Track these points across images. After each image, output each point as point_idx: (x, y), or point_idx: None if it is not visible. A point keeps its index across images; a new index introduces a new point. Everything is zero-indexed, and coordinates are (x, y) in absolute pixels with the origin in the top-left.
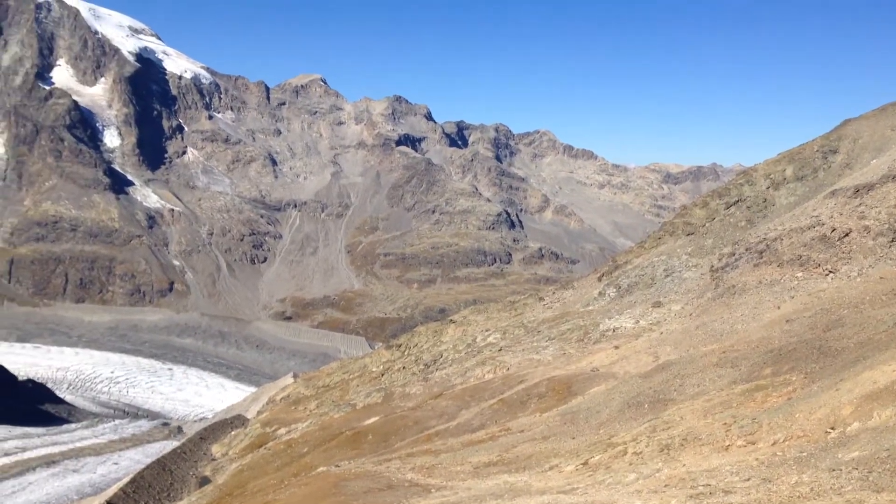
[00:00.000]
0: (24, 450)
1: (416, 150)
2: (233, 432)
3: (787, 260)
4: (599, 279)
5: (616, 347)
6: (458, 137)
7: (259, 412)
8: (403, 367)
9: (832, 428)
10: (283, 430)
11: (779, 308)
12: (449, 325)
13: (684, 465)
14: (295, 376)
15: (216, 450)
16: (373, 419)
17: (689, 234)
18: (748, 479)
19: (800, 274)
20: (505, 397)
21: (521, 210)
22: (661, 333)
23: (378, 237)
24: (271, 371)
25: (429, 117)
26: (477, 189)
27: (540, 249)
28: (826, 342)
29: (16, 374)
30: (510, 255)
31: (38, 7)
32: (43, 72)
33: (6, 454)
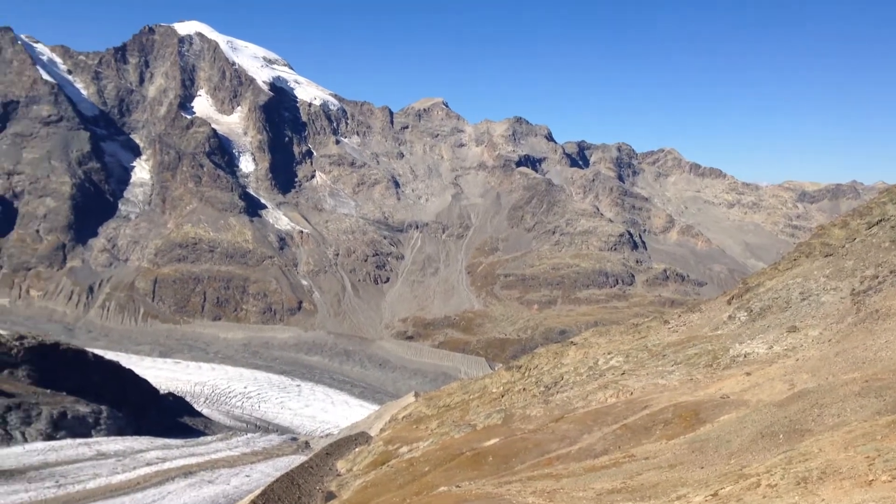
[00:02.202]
0: (164, 460)
1: (537, 171)
2: (357, 449)
3: None
4: (729, 302)
5: (748, 374)
6: (579, 157)
7: (382, 430)
8: (523, 389)
9: None
10: (404, 449)
11: None
12: (570, 347)
13: (823, 499)
14: (416, 395)
15: (341, 465)
16: (493, 440)
17: (827, 256)
18: None
19: None
20: (628, 422)
21: (645, 230)
22: (797, 360)
23: (498, 258)
24: (393, 389)
25: (549, 138)
26: (598, 209)
27: (665, 271)
28: None
29: (158, 387)
30: (633, 276)
31: (181, 41)
32: (185, 102)
33: (148, 464)
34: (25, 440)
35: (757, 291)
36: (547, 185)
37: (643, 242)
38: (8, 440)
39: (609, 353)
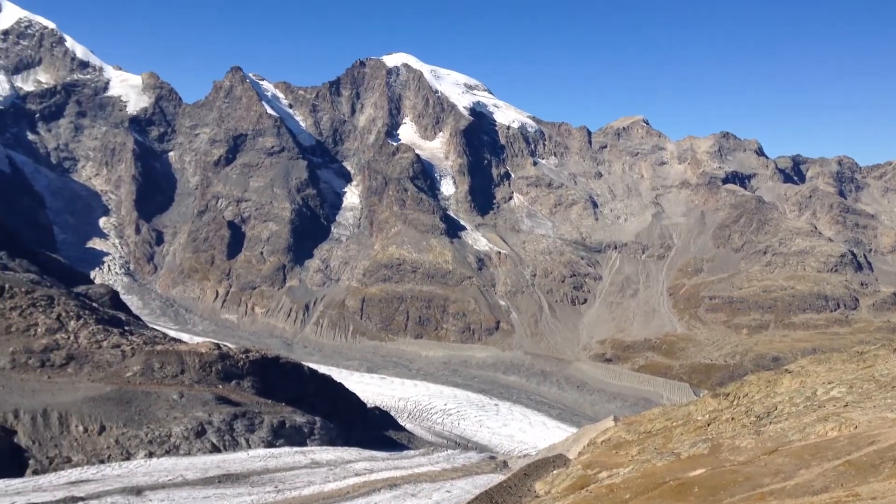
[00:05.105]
0: (371, 471)
1: (746, 188)
2: (555, 471)
3: None
4: None
5: None
6: (793, 172)
7: (580, 453)
8: (732, 418)
9: None
10: (604, 474)
11: None
12: (784, 375)
13: None
14: (615, 420)
15: (539, 487)
16: (698, 471)
17: None
18: None
19: None
20: (852, 458)
21: (871, 250)
22: None
23: (702, 279)
24: (591, 412)
25: (759, 152)
26: (816, 228)
27: (894, 294)
28: None
29: (365, 401)
30: (856, 300)
31: (389, 73)
32: (391, 130)
33: (357, 474)
34: (249, 446)
35: None
36: (757, 202)
37: (868, 263)
38: (234, 446)
39: (829, 383)
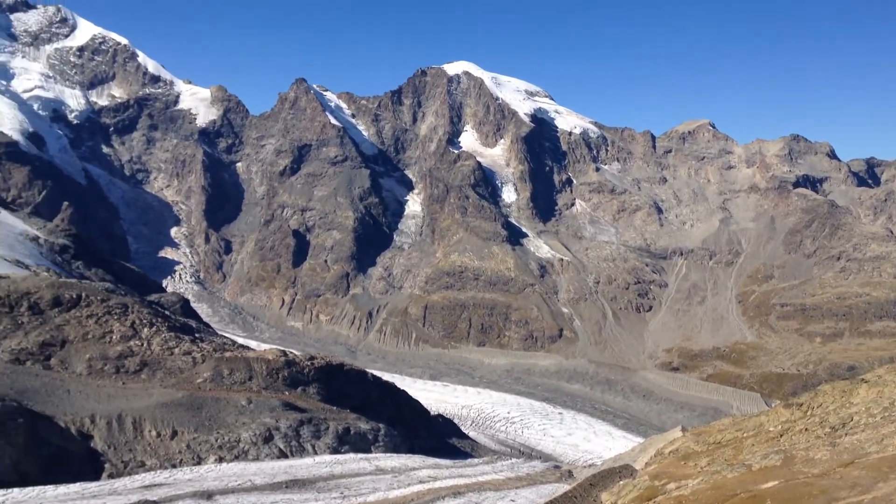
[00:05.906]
0: (434, 479)
1: (817, 192)
2: (621, 482)
3: None
4: None
5: None
6: (867, 176)
7: (647, 464)
8: (805, 429)
9: None
10: (672, 486)
11: None
12: (860, 385)
13: None
14: (683, 430)
15: (605, 498)
16: (770, 483)
17: None
18: None
19: None
20: None
21: None
22: None
23: (773, 286)
24: (658, 422)
25: (832, 155)
26: (892, 232)
27: None
28: None
29: (428, 408)
30: None
31: (450, 81)
32: (453, 137)
33: (421, 482)
34: (315, 453)
35: None
36: (829, 206)
37: None
38: (301, 452)
39: None
